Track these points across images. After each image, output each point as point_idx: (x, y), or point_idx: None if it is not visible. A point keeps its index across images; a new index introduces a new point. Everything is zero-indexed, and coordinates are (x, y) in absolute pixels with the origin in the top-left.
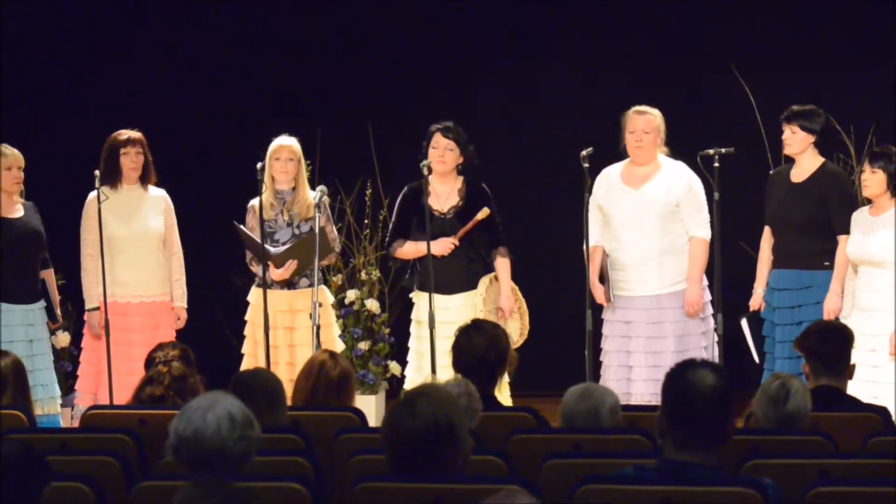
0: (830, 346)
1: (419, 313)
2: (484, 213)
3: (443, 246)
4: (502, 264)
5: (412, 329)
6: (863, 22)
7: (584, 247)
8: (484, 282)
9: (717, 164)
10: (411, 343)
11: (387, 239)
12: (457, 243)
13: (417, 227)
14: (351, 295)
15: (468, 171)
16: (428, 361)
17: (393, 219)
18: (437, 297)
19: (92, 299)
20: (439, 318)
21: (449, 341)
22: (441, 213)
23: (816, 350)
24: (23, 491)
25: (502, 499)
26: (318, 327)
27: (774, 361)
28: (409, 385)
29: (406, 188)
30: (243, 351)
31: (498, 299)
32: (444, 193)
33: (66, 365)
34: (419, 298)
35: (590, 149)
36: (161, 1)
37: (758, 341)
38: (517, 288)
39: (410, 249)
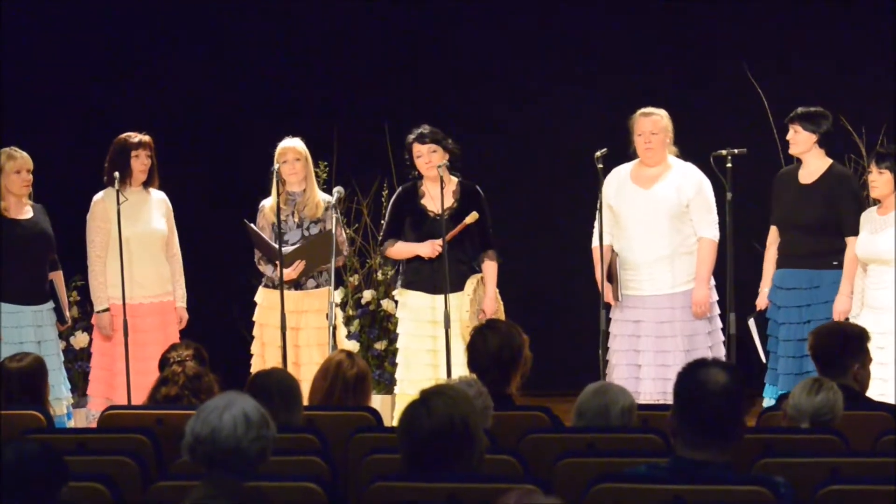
0: (824, 347)
1: (404, 311)
2: (472, 217)
3: (430, 248)
4: (490, 267)
5: (399, 327)
6: (875, 21)
7: (598, 245)
8: (472, 282)
9: (729, 165)
10: (399, 341)
11: (380, 238)
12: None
13: (410, 227)
14: (367, 295)
15: (458, 166)
16: (415, 358)
17: (386, 219)
18: (424, 295)
19: (101, 301)
20: (426, 316)
21: (434, 340)
22: (436, 214)
23: (812, 352)
24: (40, 490)
25: (521, 497)
26: (335, 328)
27: (778, 360)
28: (399, 383)
29: (400, 188)
30: (252, 351)
31: (482, 301)
32: (438, 195)
33: (85, 365)
34: (403, 296)
35: (604, 150)
36: (171, 1)
37: (764, 341)
38: (498, 292)
39: (401, 250)
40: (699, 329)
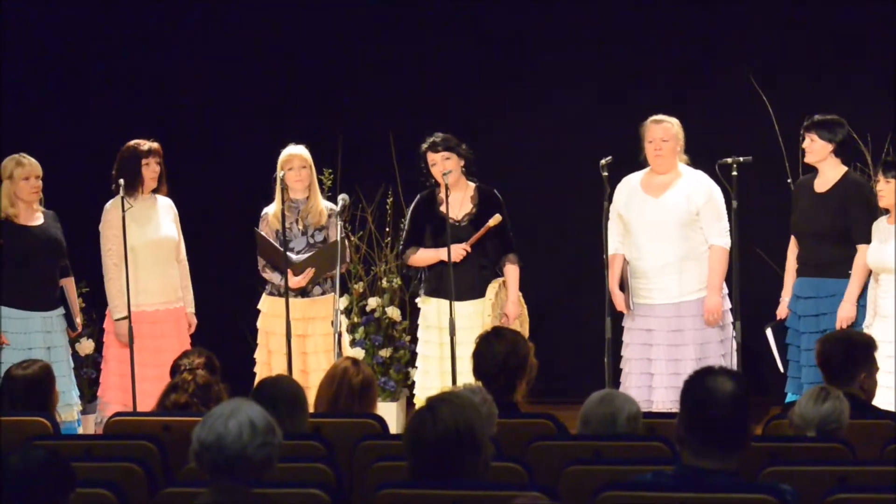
0: (830, 355)
1: (427, 319)
2: (496, 219)
3: (455, 253)
4: (511, 271)
5: (420, 334)
6: (881, 29)
7: (605, 255)
8: (493, 286)
9: (735, 173)
10: (419, 348)
11: (400, 247)
12: (468, 250)
13: (431, 234)
14: (372, 302)
15: (473, 171)
16: (436, 366)
17: (406, 227)
18: (447, 302)
19: (120, 309)
20: (447, 324)
21: (459, 347)
22: (455, 220)
23: (819, 360)
24: (48, 497)
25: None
26: (340, 335)
27: (800, 369)
28: (419, 390)
29: (418, 196)
30: (256, 358)
31: (505, 305)
32: (456, 201)
33: (90, 372)
34: (426, 304)
35: (609, 157)
36: (179, 6)
37: (782, 350)
38: (521, 295)
39: (424, 256)
40: (711, 337)
